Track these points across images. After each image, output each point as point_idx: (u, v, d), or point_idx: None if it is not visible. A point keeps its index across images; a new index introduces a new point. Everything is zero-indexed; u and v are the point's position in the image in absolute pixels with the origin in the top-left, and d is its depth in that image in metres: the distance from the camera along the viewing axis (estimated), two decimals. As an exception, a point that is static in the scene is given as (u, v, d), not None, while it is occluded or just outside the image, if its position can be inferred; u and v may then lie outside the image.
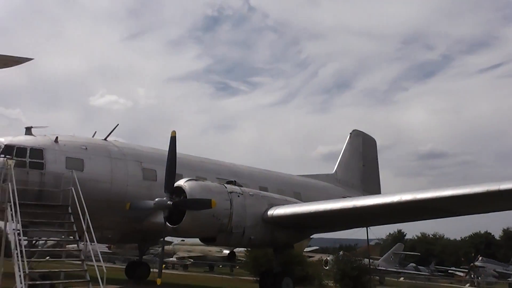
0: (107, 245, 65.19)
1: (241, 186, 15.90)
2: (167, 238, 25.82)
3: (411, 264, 64.94)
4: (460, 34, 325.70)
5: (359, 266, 27.65)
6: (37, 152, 14.77)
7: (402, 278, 52.36)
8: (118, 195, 16.03)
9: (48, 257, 12.92)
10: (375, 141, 30.74)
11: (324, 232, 20.54)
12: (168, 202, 14.01)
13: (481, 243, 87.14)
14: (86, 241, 12.58)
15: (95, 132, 17.88)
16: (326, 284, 29.29)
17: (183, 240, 46.44)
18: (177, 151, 15.10)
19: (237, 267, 49.63)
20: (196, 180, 14.85)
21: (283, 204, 16.15)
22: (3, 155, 14.26)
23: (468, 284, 52.42)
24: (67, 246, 14.31)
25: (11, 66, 17.37)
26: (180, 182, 14.44)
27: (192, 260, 48.49)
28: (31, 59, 16.01)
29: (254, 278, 32.46)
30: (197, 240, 16.58)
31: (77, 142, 16.03)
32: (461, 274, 65.56)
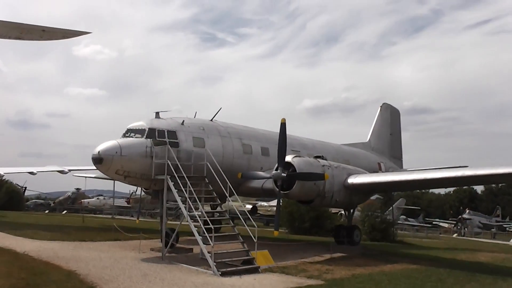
0: (126, 199, 69.51)
1: (326, 160, 20.09)
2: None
3: (402, 216, 70.97)
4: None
5: (386, 220, 32.59)
6: (172, 133, 18.35)
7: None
8: (227, 166, 19.87)
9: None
10: (399, 112, 35.05)
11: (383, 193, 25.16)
12: (283, 174, 18.10)
13: (465, 198, 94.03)
14: (229, 201, 16.68)
15: (196, 112, 21.39)
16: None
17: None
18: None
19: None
20: (300, 156, 18.97)
21: (355, 174, 20.42)
22: (149, 137, 17.99)
23: (455, 234, 58.82)
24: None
25: (69, 38, 19.65)
26: (288, 158, 18.50)
27: (218, 214, 53.18)
28: (89, 32, 17.13)
29: (285, 230, 37.13)
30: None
31: (197, 124, 19.70)
32: (446, 225, 72.22)
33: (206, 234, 14.82)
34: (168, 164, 16.77)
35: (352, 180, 19.61)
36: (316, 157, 20.06)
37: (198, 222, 15.48)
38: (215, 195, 17.50)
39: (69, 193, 70.50)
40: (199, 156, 18.46)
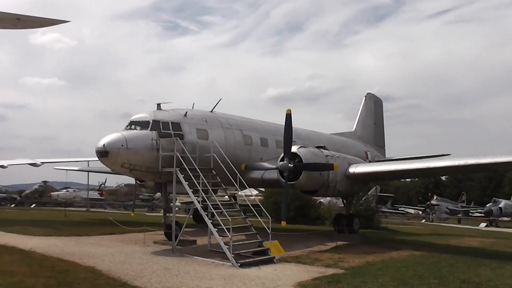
0: (98, 191, 68.02)
1: (328, 150, 20.30)
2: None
3: (373, 203, 72.65)
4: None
5: (370, 207, 33.28)
6: (177, 125, 18.07)
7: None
8: (230, 157, 19.65)
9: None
10: (382, 102, 35.72)
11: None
12: (289, 165, 18.16)
13: (430, 184, 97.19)
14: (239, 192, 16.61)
15: (194, 103, 21.03)
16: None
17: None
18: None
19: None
20: (305, 147, 19.07)
21: (355, 163, 20.74)
22: (153, 130, 17.62)
23: (424, 220, 60.78)
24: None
25: (46, 26, 18.44)
26: (294, 149, 18.57)
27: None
28: (68, 21, 14.99)
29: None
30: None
31: (199, 115, 19.42)
32: (412, 211, 74.45)
33: (223, 226, 14.78)
34: (177, 156, 16.53)
35: (354, 169, 19.92)
36: (318, 147, 20.22)
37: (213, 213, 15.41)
38: (224, 186, 17.42)
39: (36, 186, 68.06)
40: (203, 148, 18.31)
